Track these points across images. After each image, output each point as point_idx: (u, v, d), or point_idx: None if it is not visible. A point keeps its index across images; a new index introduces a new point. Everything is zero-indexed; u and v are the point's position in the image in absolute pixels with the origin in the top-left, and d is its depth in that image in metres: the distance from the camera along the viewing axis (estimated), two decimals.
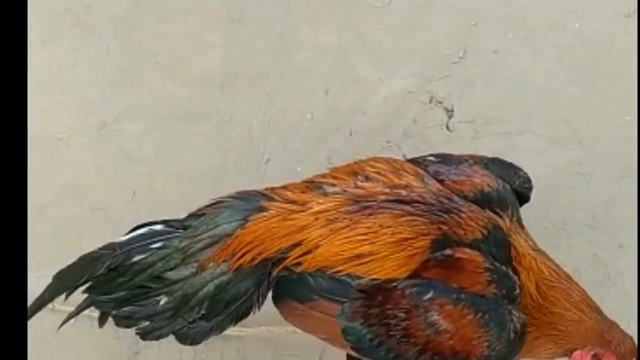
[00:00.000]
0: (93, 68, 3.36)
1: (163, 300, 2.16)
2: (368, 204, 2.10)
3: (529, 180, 2.29)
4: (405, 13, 3.48)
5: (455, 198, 2.14)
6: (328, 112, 3.23)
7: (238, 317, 2.21)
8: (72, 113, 3.27)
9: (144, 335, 2.21)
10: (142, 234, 2.16)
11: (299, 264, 2.12)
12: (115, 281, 2.15)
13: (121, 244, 2.13)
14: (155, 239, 2.15)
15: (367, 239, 2.08)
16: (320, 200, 2.13)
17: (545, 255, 2.16)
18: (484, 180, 2.19)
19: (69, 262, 2.15)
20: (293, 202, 2.15)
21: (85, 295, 2.17)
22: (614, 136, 3.07)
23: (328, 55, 3.39)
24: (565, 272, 2.16)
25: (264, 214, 2.14)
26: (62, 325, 2.21)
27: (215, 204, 2.19)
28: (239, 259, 2.13)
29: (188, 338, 2.23)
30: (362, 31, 3.45)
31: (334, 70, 3.35)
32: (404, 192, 2.12)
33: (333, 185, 2.15)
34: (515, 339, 2.06)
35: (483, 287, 2.04)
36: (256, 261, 2.13)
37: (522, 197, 2.27)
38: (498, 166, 2.27)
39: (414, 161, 2.25)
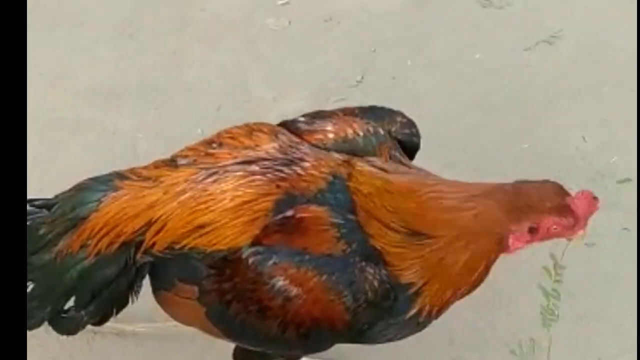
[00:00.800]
0: None
1: (30, 287, 2.03)
2: (215, 169, 1.96)
3: (410, 125, 2.12)
4: (304, 36, 3.43)
5: (303, 147, 1.99)
6: (219, 128, 3.09)
7: (112, 306, 2.07)
8: None
9: None
10: None
11: (155, 244, 1.97)
12: None
13: None
14: None
15: (207, 207, 1.93)
16: (170, 174, 1.99)
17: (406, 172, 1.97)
18: (350, 128, 2.03)
19: None
20: (146, 178, 2.00)
21: None
22: (510, 163, 3.01)
23: (222, 73, 3.29)
24: (426, 183, 1.93)
25: (116, 193, 1.99)
26: None
27: (73, 188, 2.06)
28: (96, 244, 1.98)
29: (63, 328, 2.10)
30: (259, 52, 3.37)
31: (228, 88, 3.26)
32: (251, 153, 1.97)
33: (185, 156, 2.02)
34: (377, 299, 1.88)
35: (330, 245, 1.87)
36: (115, 245, 1.98)
37: (407, 144, 2.11)
38: (372, 113, 2.11)
39: (283, 123, 2.10)
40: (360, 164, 1.96)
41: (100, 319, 2.08)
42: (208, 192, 1.94)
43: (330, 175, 1.94)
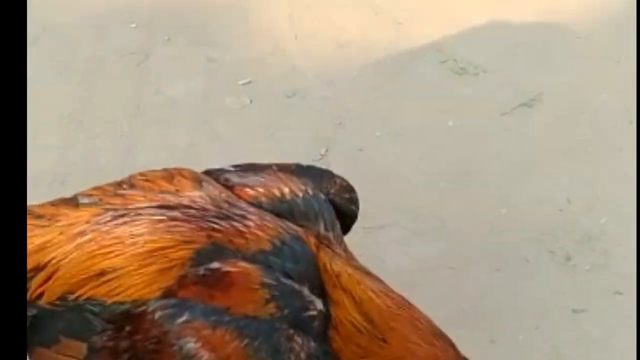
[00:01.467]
0: None
1: None
2: (124, 212, 1.72)
3: (349, 190, 1.92)
4: (265, 114, 3.23)
5: (242, 204, 1.74)
6: None
7: None
8: None
9: None
10: None
11: (42, 294, 1.71)
12: None
13: None
14: None
15: (112, 252, 1.68)
16: (69, 212, 1.75)
17: (378, 280, 1.76)
18: (286, 187, 1.81)
19: None
20: (39, 216, 1.77)
21: None
22: (487, 229, 2.75)
23: (176, 155, 3.08)
24: (402, 296, 1.74)
25: None
26: None
27: None
28: None
29: None
30: (216, 132, 3.18)
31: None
32: (171, 198, 1.74)
33: (90, 195, 1.79)
34: None
35: (257, 306, 1.63)
36: None
37: (345, 212, 1.90)
38: (308, 172, 1.91)
39: (207, 171, 1.89)
40: (325, 241, 1.74)
41: None
42: (114, 235, 1.70)
43: (277, 239, 1.69)
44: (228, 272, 1.65)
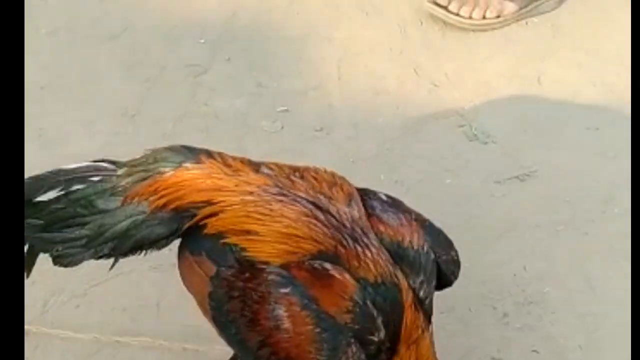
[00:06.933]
0: None
1: (82, 227, 2.40)
2: (286, 193, 2.38)
3: (457, 264, 2.47)
4: (291, 141, 3.92)
5: (371, 235, 2.36)
6: None
7: (135, 254, 2.47)
8: None
9: (55, 259, 2.43)
10: (87, 166, 2.47)
11: (205, 225, 2.39)
12: (49, 207, 2.42)
13: (66, 171, 2.44)
14: (97, 173, 2.46)
15: (262, 220, 2.33)
16: (249, 173, 2.42)
17: None
18: (409, 236, 2.39)
19: None
20: (228, 165, 2.44)
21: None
22: None
23: None
24: None
25: (197, 165, 2.43)
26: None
27: (166, 147, 2.53)
28: (156, 200, 2.40)
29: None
30: (246, 148, 3.83)
31: None
32: (324, 201, 2.37)
33: (270, 168, 2.45)
34: None
35: (338, 311, 2.25)
36: (169, 207, 2.39)
37: (444, 277, 2.45)
38: (433, 232, 2.45)
39: (363, 189, 2.49)
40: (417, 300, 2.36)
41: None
42: (270, 207, 2.35)
43: (380, 277, 2.31)
44: (333, 275, 2.27)
